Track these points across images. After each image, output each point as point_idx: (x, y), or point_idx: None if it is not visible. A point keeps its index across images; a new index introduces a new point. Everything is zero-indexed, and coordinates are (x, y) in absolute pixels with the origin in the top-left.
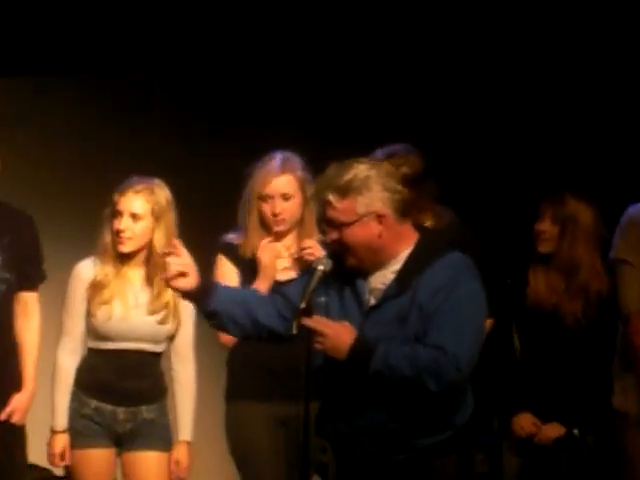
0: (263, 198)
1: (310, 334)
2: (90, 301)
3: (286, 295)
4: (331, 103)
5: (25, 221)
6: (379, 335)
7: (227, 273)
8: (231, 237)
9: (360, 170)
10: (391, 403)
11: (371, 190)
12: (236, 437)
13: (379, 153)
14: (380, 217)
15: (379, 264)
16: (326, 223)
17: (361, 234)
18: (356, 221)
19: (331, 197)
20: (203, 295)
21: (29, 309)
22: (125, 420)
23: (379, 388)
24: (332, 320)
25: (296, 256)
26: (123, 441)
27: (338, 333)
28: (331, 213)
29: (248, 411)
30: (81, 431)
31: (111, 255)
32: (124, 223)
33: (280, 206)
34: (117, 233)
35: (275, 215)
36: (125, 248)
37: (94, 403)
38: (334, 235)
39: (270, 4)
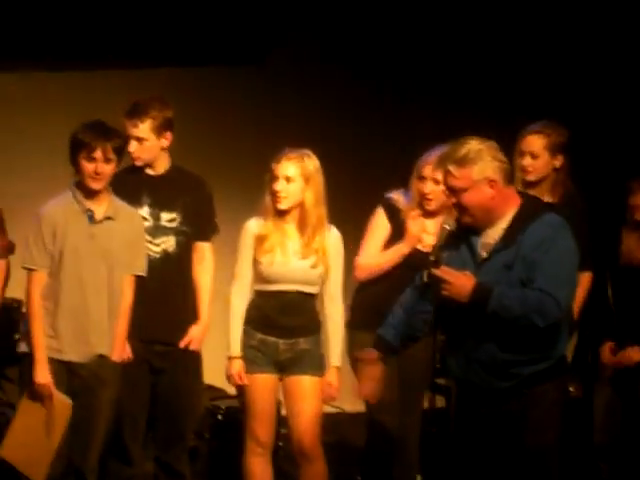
0: (421, 179)
1: (438, 282)
2: (256, 250)
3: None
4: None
5: (201, 183)
6: (489, 281)
7: (380, 226)
8: (396, 198)
9: (473, 144)
10: (502, 337)
11: (483, 160)
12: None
13: (534, 125)
14: (491, 182)
15: (489, 222)
16: (448, 190)
17: (476, 197)
18: (472, 186)
19: (451, 167)
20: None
21: (205, 256)
22: (285, 350)
23: (493, 325)
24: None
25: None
26: (284, 368)
27: (461, 280)
28: (451, 181)
29: (368, 340)
30: (249, 359)
31: (271, 212)
32: (280, 185)
33: (430, 188)
34: (275, 193)
35: (425, 194)
36: (281, 206)
37: (259, 336)
38: (454, 199)
39: None
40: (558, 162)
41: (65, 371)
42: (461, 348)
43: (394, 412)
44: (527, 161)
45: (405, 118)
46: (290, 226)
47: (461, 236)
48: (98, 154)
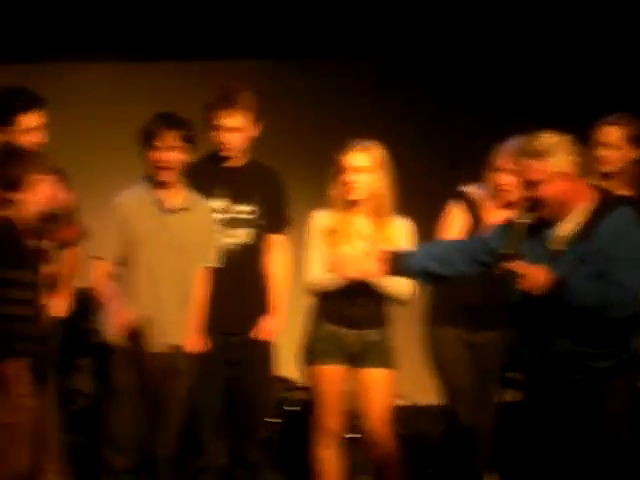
0: (496, 171)
1: (512, 275)
2: (325, 242)
3: (486, 243)
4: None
5: (277, 177)
6: (563, 274)
7: (457, 219)
8: (471, 191)
9: (549, 138)
10: (578, 330)
11: (559, 153)
12: (435, 354)
13: (611, 117)
14: (566, 175)
15: (563, 216)
16: (523, 183)
17: (551, 190)
18: (547, 179)
19: (527, 160)
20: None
21: (281, 248)
22: (355, 341)
23: (568, 318)
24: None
25: None
26: (354, 359)
27: (536, 273)
28: (527, 174)
29: (448, 335)
30: (319, 350)
31: (341, 203)
32: (352, 176)
33: (506, 179)
34: (347, 184)
35: (501, 186)
36: (354, 196)
37: (329, 327)
38: (528, 192)
39: None
40: (635, 154)
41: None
42: (535, 341)
43: (471, 402)
44: (603, 152)
45: (473, 113)
46: (360, 216)
47: (534, 230)
48: (162, 143)
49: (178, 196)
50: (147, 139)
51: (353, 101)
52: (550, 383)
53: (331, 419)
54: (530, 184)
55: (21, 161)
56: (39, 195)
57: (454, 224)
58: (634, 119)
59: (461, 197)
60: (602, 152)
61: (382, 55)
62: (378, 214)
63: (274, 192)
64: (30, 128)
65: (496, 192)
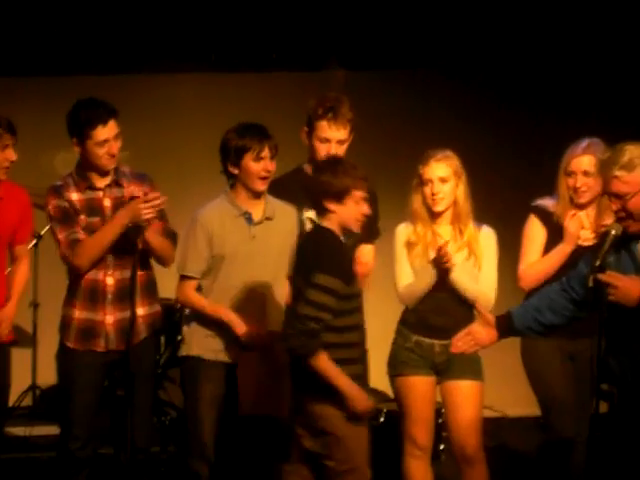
0: (569, 174)
1: (604, 287)
2: (409, 255)
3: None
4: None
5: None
6: None
7: (537, 232)
8: (546, 202)
9: (636, 150)
10: None
11: None
12: (532, 365)
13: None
14: None
15: None
16: (613, 195)
17: None
18: (638, 191)
19: (617, 173)
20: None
21: (367, 259)
22: (441, 352)
23: None
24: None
25: (595, 227)
26: (441, 371)
27: (628, 285)
28: (618, 186)
29: (542, 345)
30: (405, 361)
31: (423, 215)
32: (436, 187)
33: (581, 181)
34: (431, 196)
35: (577, 188)
36: (439, 207)
37: (415, 338)
38: (619, 204)
39: None
40: None
41: (224, 372)
42: (626, 351)
43: (571, 413)
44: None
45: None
46: (443, 226)
47: (621, 242)
48: (266, 153)
49: (263, 206)
50: (245, 152)
51: (429, 112)
52: (635, 391)
53: (420, 431)
54: (620, 197)
55: (347, 172)
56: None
57: (536, 238)
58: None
59: (538, 210)
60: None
61: (454, 67)
62: (459, 223)
63: None
64: (106, 139)
65: (571, 194)
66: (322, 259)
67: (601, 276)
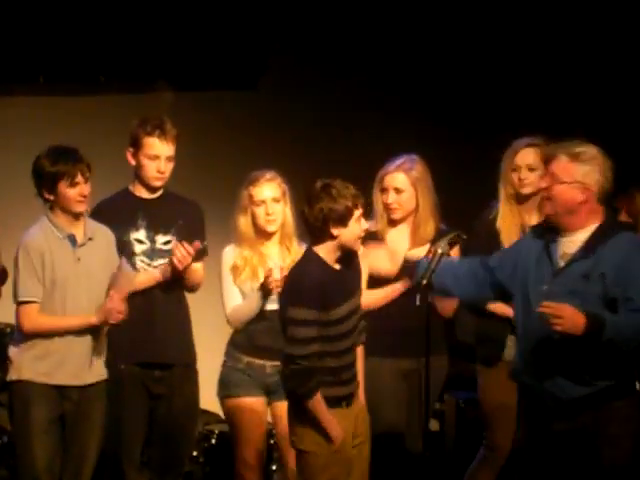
0: (383, 191)
1: (549, 317)
2: (236, 277)
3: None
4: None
5: (194, 207)
6: (567, 290)
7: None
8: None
9: (591, 149)
10: (587, 351)
11: (593, 167)
12: (365, 388)
13: (527, 139)
14: (587, 191)
15: (568, 226)
16: (546, 173)
17: (567, 194)
18: (570, 183)
19: (562, 157)
20: None
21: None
22: (272, 373)
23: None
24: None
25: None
26: (271, 392)
27: (573, 315)
28: (555, 168)
29: (376, 366)
30: (236, 383)
31: (249, 237)
32: (270, 207)
33: (393, 197)
34: (266, 216)
35: (389, 205)
36: (273, 227)
37: (246, 359)
38: (545, 183)
39: None
40: None
41: (58, 396)
42: (538, 357)
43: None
44: (524, 174)
45: (392, 135)
46: (272, 247)
47: (541, 243)
48: (80, 178)
49: (83, 227)
50: (60, 179)
51: (272, 131)
52: (548, 401)
53: (250, 451)
54: (552, 178)
55: (344, 194)
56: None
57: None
58: (549, 140)
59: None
60: (522, 174)
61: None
62: (286, 242)
63: (192, 222)
64: None
65: (385, 211)
66: (293, 291)
67: (544, 308)
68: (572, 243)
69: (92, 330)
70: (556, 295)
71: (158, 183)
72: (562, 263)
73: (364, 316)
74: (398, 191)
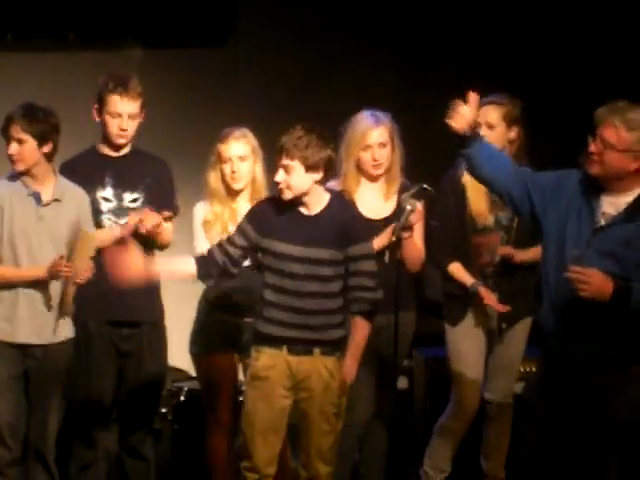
0: (363, 148)
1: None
2: (207, 232)
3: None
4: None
5: (162, 164)
6: (604, 251)
7: None
8: (333, 184)
9: None
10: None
11: None
12: None
13: (490, 97)
14: (638, 158)
15: (614, 188)
16: (597, 138)
17: (620, 161)
18: (624, 151)
19: (617, 122)
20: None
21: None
22: (246, 329)
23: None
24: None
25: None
26: (244, 349)
27: (601, 281)
28: (609, 134)
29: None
30: (207, 340)
31: (220, 193)
32: (235, 165)
33: (379, 153)
34: (232, 174)
35: (376, 160)
36: (238, 185)
37: (217, 316)
38: (597, 148)
39: None
40: (513, 134)
41: (20, 354)
42: (566, 316)
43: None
44: (483, 132)
45: (362, 92)
46: (242, 203)
47: (583, 197)
48: (12, 134)
49: (52, 187)
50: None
51: (240, 89)
52: (574, 360)
53: (222, 409)
54: (605, 144)
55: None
56: None
57: None
58: (512, 98)
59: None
60: (481, 132)
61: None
62: (257, 198)
63: (160, 180)
64: None
65: (367, 167)
66: None
67: (571, 274)
68: (615, 204)
69: (51, 289)
70: (591, 256)
71: (121, 141)
72: (602, 222)
73: (368, 288)
74: (382, 146)
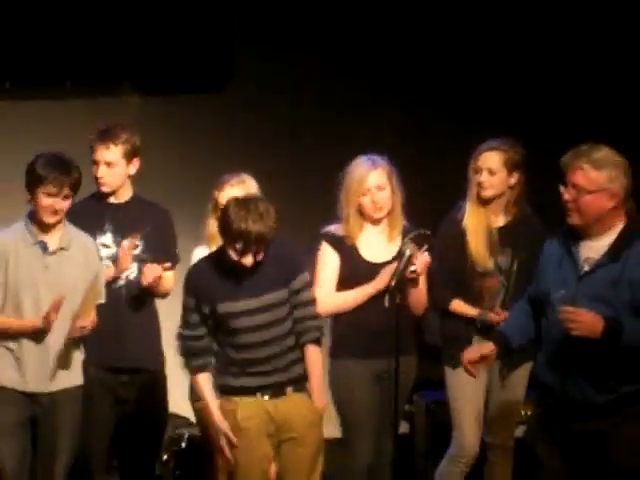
0: (363, 192)
1: (566, 321)
2: None
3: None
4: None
5: (162, 212)
6: (592, 296)
7: (330, 259)
8: (334, 229)
9: (612, 154)
10: (609, 356)
11: (617, 171)
12: (339, 389)
13: (491, 142)
14: (614, 196)
15: (595, 233)
16: (568, 185)
17: (595, 203)
18: (596, 191)
19: (585, 165)
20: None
21: (170, 285)
22: None
23: (602, 347)
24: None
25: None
26: None
27: (590, 318)
28: (578, 178)
29: (349, 367)
30: None
31: (218, 238)
32: None
33: (378, 196)
34: None
35: (375, 203)
36: None
37: None
38: (570, 195)
39: None
40: (514, 179)
41: (28, 400)
42: (561, 361)
43: (373, 438)
44: (484, 177)
45: (361, 137)
46: None
47: (563, 247)
48: (55, 191)
49: (59, 236)
50: (38, 184)
51: (241, 134)
52: (571, 405)
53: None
54: (578, 190)
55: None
56: None
57: (329, 265)
58: (514, 144)
59: (328, 236)
60: (482, 177)
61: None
62: None
63: (160, 228)
64: None
65: (369, 211)
66: None
67: (562, 313)
68: (595, 248)
69: (53, 338)
70: (580, 300)
71: (103, 188)
72: (586, 267)
73: (314, 317)
74: (381, 189)
